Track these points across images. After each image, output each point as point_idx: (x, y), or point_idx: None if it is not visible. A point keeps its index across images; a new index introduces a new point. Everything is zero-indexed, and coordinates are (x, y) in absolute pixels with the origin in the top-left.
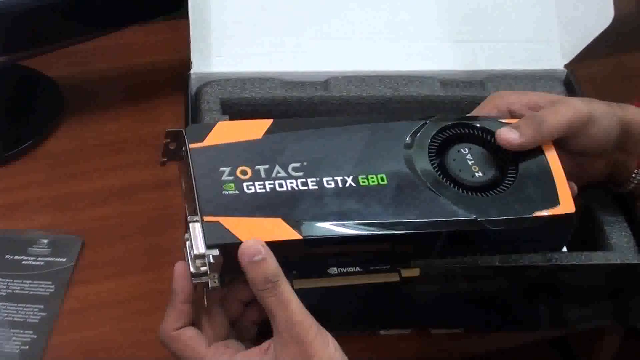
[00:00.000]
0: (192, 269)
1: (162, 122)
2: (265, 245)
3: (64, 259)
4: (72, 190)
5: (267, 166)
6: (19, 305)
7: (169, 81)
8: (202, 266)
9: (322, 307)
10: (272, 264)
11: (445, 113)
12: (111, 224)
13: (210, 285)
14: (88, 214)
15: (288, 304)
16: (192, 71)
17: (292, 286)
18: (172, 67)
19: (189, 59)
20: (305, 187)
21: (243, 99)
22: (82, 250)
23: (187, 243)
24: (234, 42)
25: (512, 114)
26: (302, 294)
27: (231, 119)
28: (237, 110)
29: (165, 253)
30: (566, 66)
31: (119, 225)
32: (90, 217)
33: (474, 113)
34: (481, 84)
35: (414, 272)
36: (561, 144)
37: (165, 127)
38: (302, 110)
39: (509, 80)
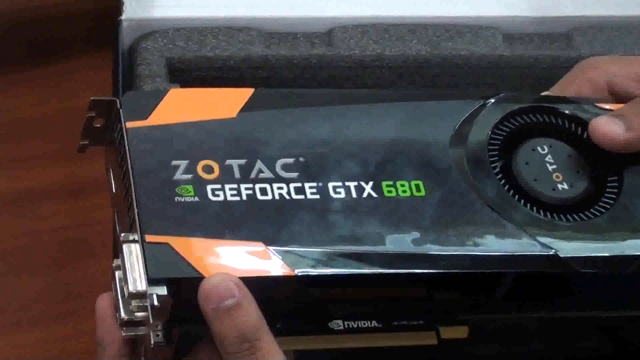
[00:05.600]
0: (123, 314)
1: (79, 94)
2: (240, 283)
3: None
4: None
5: (243, 161)
6: None
7: (90, 31)
8: (139, 311)
9: None
10: (250, 314)
11: (516, 94)
12: None
13: (152, 341)
14: None
15: None
16: (124, 16)
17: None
18: (94, 10)
19: None
20: (301, 196)
21: (202, 59)
22: None
23: (118, 274)
24: None
25: (615, 94)
26: None
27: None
28: (192, 76)
29: (80, 295)
30: None
31: (10, 254)
32: None
33: (555, 90)
34: (567, 38)
35: (460, 331)
36: None
37: (83, 103)
38: (292, 77)
39: (609, 34)
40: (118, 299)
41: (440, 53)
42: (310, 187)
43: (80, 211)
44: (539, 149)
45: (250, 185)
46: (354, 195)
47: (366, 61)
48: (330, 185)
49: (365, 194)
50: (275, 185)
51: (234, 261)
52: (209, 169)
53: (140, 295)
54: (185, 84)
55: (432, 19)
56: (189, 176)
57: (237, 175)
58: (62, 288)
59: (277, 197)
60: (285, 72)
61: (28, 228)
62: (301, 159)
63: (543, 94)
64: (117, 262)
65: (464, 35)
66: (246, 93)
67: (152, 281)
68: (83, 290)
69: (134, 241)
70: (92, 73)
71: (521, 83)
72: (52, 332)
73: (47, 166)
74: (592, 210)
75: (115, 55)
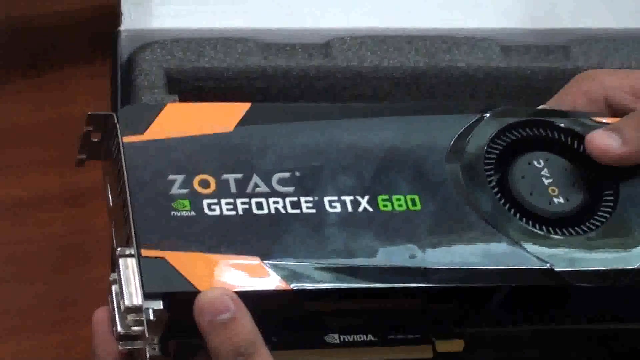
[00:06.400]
0: (120, 328)
1: (75, 103)
2: (236, 297)
3: None
4: None
5: (239, 175)
6: None
7: (87, 41)
8: (136, 325)
9: None
10: (245, 327)
11: (512, 107)
12: None
13: (148, 355)
14: None
15: None
16: (122, 27)
17: None
18: (92, 19)
19: (119, 7)
20: (297, 210)
21: (200, 70)
22: None
23: (114, 288)
24: None
25: (612, 107)
26: None
27: (182, 100)
28: (191, 87)
29: (77, 302)
30: None
31: (7, 261)
32: None
33: (552, 103)
34: (564, 50)
35: (456, 345)
36: None
37: (80, 111)
38: (290, 88)
39: (607, 45)
40: (114, 313)
41: (437, 64)
42: (306, 202)
43: (77, 218)
44: (535, 162)
45: (247, 200)
46: (350, 209)
47: (364, 72)
48: (326, 199)
49: (361, 208)
50: (271, 200)
51: (229, 275)
52: (205, 184)
53: (136, 310)
54: (183, 94)
55: (430, 31)
56: (185, 190)
57: (233, 189)
58: (60, 295)
59: (273, 211)
60: (283, 83)
61: (25, 235)
62: (297, 173)
63: (540, 107)
64: (113, 276)
65: (461, 47)
66: (243, 107)
67: (148, 295)
68: (80, 297)
69: (130, 255)
70: (89, 81)
71: (518, 94)
72: (49, 338)
73: (43, 173)
74: (587, 223)
75: (113, 65)
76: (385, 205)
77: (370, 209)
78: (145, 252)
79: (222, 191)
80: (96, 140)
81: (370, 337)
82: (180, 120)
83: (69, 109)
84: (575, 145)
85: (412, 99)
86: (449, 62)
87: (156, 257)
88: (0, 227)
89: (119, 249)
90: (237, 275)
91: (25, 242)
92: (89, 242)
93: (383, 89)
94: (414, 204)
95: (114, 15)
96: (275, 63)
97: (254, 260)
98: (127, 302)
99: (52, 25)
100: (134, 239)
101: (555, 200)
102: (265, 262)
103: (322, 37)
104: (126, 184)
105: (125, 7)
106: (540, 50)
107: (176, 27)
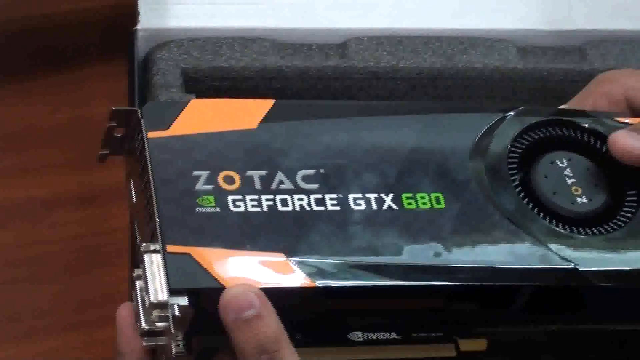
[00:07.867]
0: (144, 324)
1: (91, 102)
2: (261, 294)
3: None
4: None
5: (264, 172)
6: None
7: (102, 40)
8: (160, 321)
9: None
10: (271, 325)
11: (535, 107)
12: (12, 259)
13: (173, 351)
14: None
15: None
16: (139, 26)
17: None
18: (108, 18)
19: (136, 6)
20: (322, 208)
21: (216, 69)
22: None
23: (139, 284)
24: None
25: (633, 108)
26: None
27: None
28: (207, 86)
29: (94, 303)
30: None
31: (24, 262)
32: None
33: (572, 104)
34: (580, 51)
35: (479, 344)
36: None
37: (96, 111)
38: (306, 88)
39: (624, 47)
40: (139, 309)
41: (454, 65)
42: (331, 199)
43: (94, 219)
44: (558, 162)
45: (271, 197)
46: (374, 207)
47: (380, 73)
48: (351, 196)
49: (385, 206)
50: (295, 197)
51: (254, 272)
52: (229, 180)
53: (162, 306)
54: (199, 94)
55: (446, 32)
56: (210, 187)
57: (258, 186)
58: (76, 296)
59: (297, 208)
60: (299, 83)
61: (42, 236)
62: (322, 171)
63: (561, 107)
64: (137, 271)
65: (477, 48)
66: (267, 104)
67: (173, 291)
68: (97, 298)
69: (155, 251)
70: (105, 81)
71: (534, 96)
72: (66, 340)
73: (60, 174)
74: (610, 223)
75: (130, 64)
76: (409, 203)
77: (395, 207)
78: (170, 248)
79: (246, 188)
80: (119, 135)
81: (393, 335)
82: (205, 116)
83: (85, 110)
84: (598, 145)
85: (428, 100)
86: (465, 63)
87: (181, 253)
88: (17, 228)
89: (143, 244)
90: (262, 271)
91: (42, 243)
92: (106, 243)
93: (399, 90)
94: (438, 202)
95: (130, 14)
96: (291, 63)
97: (280, 257)
98: (152, 298)
99: (67, 25)
100: (159, 235)
101: (578, 199)
102: (290, 258)
103: (338, 37)
104: (151, 180)
105: (142, 6)
106: (556, 52)
107: (193, 26)
